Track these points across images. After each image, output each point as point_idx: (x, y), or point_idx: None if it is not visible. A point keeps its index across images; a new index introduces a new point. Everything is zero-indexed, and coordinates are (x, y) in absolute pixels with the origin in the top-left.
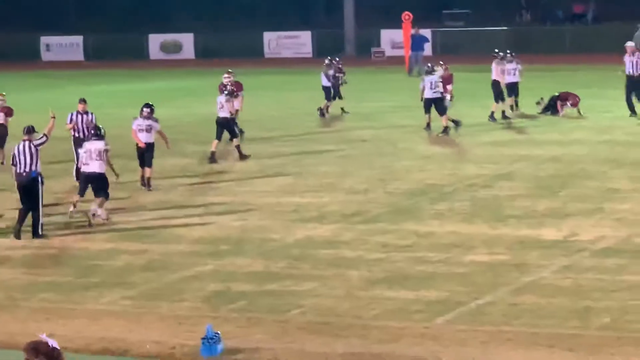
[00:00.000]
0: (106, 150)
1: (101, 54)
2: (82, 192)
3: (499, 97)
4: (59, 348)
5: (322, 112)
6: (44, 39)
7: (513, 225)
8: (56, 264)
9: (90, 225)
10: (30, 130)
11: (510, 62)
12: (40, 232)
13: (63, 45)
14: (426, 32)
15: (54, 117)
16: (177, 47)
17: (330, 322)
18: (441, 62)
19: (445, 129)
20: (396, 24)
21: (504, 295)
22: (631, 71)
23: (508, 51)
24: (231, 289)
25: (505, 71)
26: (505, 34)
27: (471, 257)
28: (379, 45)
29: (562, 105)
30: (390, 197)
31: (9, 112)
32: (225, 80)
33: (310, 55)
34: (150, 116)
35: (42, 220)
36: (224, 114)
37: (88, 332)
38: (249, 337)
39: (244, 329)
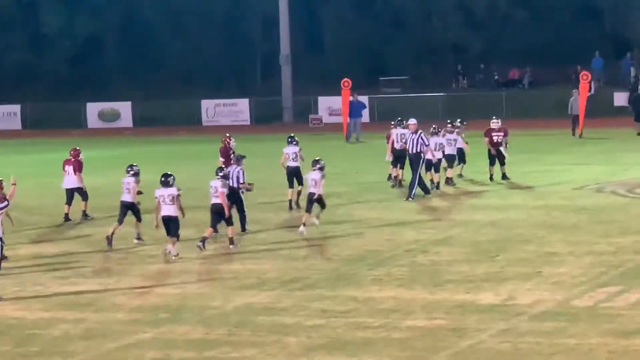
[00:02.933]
0: (178, 195)
1: (39, 123)
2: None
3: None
4: None
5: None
6: None
7: (451, 289)
8: None
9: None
10: None
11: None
12: None
13: (0, 115)
14: (363, 99)
15: (14, 184)
16: (115, 116)
17: None
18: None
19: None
20: (333, 91)
21: None
22: (410, 149)
23: (434, 126)
24: (170, 356)
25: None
26: (442, 99)
27: (410, 322)
28: (316, 112)
29: (494, 142)
30: (329, 263)
31: None
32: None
33: (247, 123)
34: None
35: None
36: (295, 163)
37: None
38: None
39: None
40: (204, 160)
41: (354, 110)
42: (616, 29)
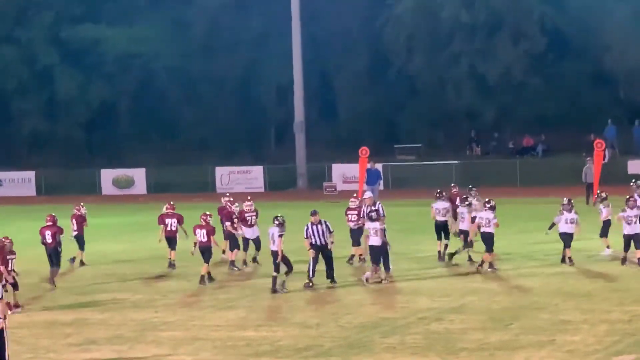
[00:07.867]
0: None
1: (53, 189)
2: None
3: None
4: None
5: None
6: None
7: (465, 358)
8: None
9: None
10: None
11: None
12: None
13: (15, 181)
14: (377, 167)
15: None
16: (129, 182)
17: None
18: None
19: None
20: (347, 158)
21: None
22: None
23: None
24: None
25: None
26: (456, 167)
27: None
28: (330, 179)
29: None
30: (343, 330)
31: None
32: (246, 208)
33: (262, 190)
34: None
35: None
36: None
37: None
38: None
39: None
40: (218, 227)
41: (371, 178)
42: (630, 95)
